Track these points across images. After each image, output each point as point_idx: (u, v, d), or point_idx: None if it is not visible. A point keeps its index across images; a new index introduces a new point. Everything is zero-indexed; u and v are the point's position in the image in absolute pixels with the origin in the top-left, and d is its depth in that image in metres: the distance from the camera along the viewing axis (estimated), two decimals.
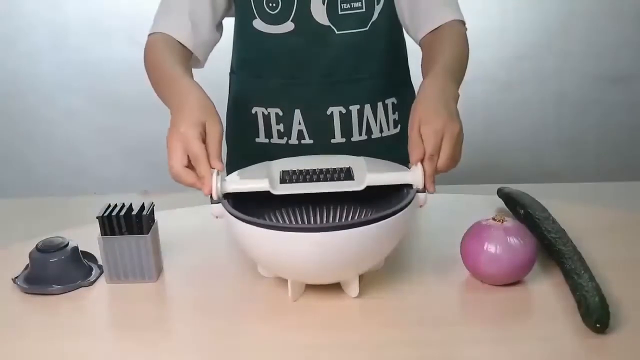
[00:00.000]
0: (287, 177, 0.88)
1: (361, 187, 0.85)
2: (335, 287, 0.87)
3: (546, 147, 2.75)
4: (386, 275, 0.91)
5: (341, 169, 0.89)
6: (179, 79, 0.97)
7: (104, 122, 2.75)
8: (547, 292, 0.87)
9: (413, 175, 0.86)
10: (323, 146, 1.18)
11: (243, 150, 1.26)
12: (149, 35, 1.12)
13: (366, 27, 1.14)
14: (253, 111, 1.20)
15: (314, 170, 0.89)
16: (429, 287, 0.89)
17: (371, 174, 0.86)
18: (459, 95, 0.97)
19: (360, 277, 0.86)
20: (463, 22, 1.11)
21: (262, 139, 1.21)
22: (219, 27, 1.16)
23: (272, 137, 1.20)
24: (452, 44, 1.05)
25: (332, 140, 1.19)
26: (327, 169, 0.89)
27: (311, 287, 0.87)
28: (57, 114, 2.75)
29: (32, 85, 2.73)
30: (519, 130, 2.73)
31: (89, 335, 0.82)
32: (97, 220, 0.89)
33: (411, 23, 1.13)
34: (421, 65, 1.08)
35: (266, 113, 1.19)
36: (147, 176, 2.74)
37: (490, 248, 0.85)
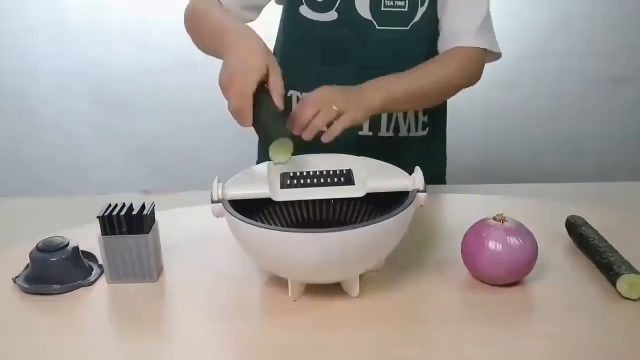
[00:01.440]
0: (287, 180, 0.88)
1: (361, 194, 0.85)
2: (336, 287, 0.87)
3: (546, 147, 2.75)
4: (386, 275, 0.91)
5: (341, 171, 0.89)
6: (233, 26, 0.99)
7: (104, 122, 2.76)
8: (547, 292, 0.87)
9: (413, 182, 0.86)
10: (350, 137, 1.17)
11: None
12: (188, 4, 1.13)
13: (407, 26, 1.16)
14: (289, 94, 1.21)
15: (315, 172, 0.89)
16: (429, 287, 0.89)
17: (372, 180, 0.86)
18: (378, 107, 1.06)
19: (361, 277, 0.86)
20: (495, 52, 1.17)
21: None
22: (254, 9, 1.17)
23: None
24: (428, 72, 1.12)
25: (360, 132, 1.20)
26: (328, 172, 0.89)
27: (311, 287, 0.87)
28: (57, 114, 2.75)
29: (32, 85, 2.74)
30: (519, 130, 2.73)
31: (89, 335, 0.82)
32: (98, 219, 0.89)
33: (440, 35, 1.18)
34: None
35: (301, 97, 1.20)
36: (147, 176, 2.75)
37: (491, 248, 0.85)
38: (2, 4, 2.67)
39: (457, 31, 1.16)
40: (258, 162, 1.32)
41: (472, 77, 1.17)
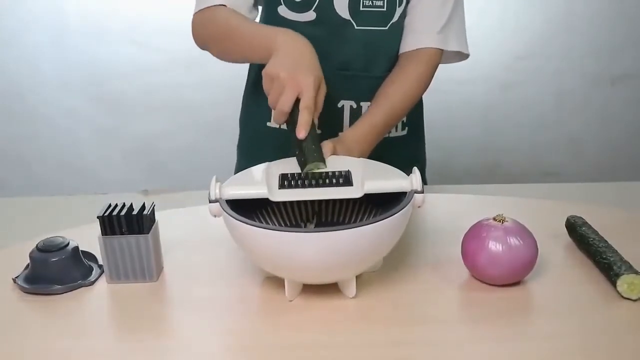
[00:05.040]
0: (286, 181, 0.88)
1: (359, 195, 0.85)
2: (333, 288, 0.87)
3: (546, 147, 2.75)
4: (386, 275, 0.91)
5: (340, 172, 0.89)
6: (283, 29, 1.00)
7: (104, 122, 2.76)
8: (547, 291, 0.87)
9: (411, 182, 0.86)
10: (331, 137, 1.19)
11: (254, 133, 1.28)
12: (196, 13, 1.12)
13: (386, 26, 1.16)
14: None
15: (313, 174, 0.89)
16: (429, 287, 0.89)
17: (370, 181, 0.86)
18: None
19: (359, 278, 0.86)
20: (463, 53, 1.18)
21: (272, 123, 1.22)
22: (254, 9, 1.17)
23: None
24: (397, 98, 1.13)
25: (340, 133, 1.20)
26: (327, 173, 0.89)
27: (309, 287, 0.87)
28: (57, 114, 2.76)
29: (32, 85, 2.74)
30: (519, 130, 2.73)
31: (89, 335, 0.82)
32: (98, 219, 0.89)
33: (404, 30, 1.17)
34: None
35: None
36: (147, 176, 2.75)
37: (491, 248, 0.85)
38: (1, 3, 2.67)
39: (419, 30, 1.16)
40: (237, 166, 1.33)
41: (429, 81, 1.19)
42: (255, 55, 1.03)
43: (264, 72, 0.94)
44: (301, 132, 0.90)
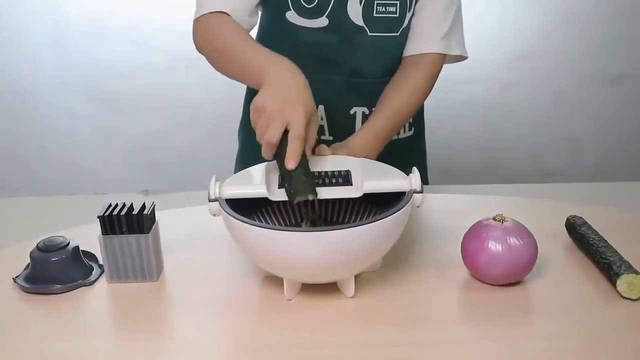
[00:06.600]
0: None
1: (359, 194, 0.85)
2: (332, 287, 0.87)
3: (546, 147, 2.75)
4: (385, 275, 0.91)
5: (340, 172, 0.89)
6: (277, 58, 0.96)
7: (104, 122, 2.76)
8: (547, 291, 0.87)
9: (410, 182, 0.86)
10: None
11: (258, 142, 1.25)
12: (197, 18, 1.09)
13: (397, 32, 1.15)
14: None
15: (312, 173, 0.89)
16: (429, 287, 0.89)
17: (369, 180, 0.86)
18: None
19: (357, 277, 0.86)
20: (462, 56, 1.19)
21: None
22: (255, 13, 1.15)
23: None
24: (402, 104, 1.14)
25: (345, 140, 1.19)
26: (326, 172, 0.89)
27: (307, 287, 0.87)
28: (57, 114, 2.75)
29: (32, 85, 2.74)
30: (519, 130, 2.73)
31: (89, 335, 0.82)
32: (98, 219, 0.89)
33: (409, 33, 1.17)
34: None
35: None
36: (147, 176, 2.75)
37: (490, 248, 0.85)
38: (1, 3, 2.67)
39: (424, 35, 1.16)
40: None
41: (432, 86, 1.19)
42: (247, 82, 1.01)
43: (251, 104, 0.91)
44: (290, 163, 0.84)
